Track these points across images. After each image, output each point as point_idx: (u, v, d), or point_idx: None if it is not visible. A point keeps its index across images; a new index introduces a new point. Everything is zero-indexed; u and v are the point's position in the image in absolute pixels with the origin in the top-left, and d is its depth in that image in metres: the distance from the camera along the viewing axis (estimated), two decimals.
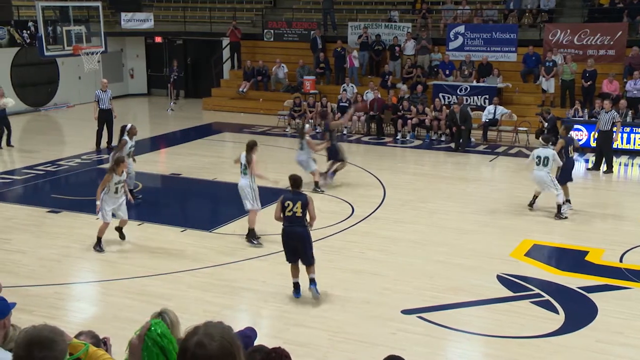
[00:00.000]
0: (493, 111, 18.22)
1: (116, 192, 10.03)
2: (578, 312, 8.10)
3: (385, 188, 13.50)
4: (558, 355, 7.12)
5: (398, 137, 18.51)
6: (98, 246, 10.03)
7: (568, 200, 11.96)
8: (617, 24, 19.87)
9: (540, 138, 12.40)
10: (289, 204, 8.24)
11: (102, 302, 8.60)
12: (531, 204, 11.93)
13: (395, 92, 19.70)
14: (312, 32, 22.97)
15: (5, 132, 17.19)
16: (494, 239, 10.64)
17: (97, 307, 8.51)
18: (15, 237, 10.66)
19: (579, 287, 8.74)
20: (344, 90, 19.93)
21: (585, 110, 17.37)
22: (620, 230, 11.16)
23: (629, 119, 16.60)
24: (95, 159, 16.17)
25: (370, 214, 11.86)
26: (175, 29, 26.05)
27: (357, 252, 10.02)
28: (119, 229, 10.43)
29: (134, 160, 12.64)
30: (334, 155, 13.84)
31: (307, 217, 8.38)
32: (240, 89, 23.11)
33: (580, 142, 16.38)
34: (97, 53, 18.50)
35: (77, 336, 3.74)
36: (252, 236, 10.41)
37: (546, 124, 16.36)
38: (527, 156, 11.78)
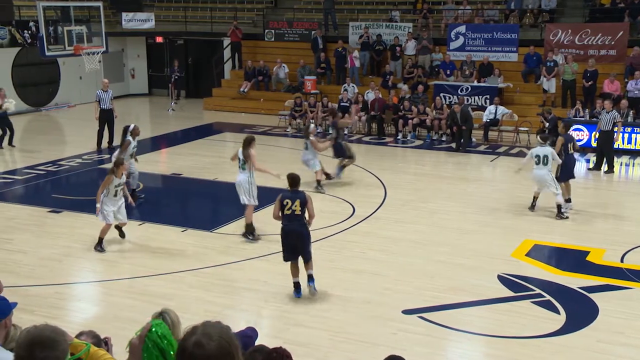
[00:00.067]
0: (494, 111, 18.22)
1: (115, 194, 10.04)
2: (579, 312, 8.10)
3: (386, 188, 13.50)
4: (559, 355, 7.11)
5: (399, 137, 18.51)
6: (99, 246, 10.04)
7: (569, 200, 11.95)
8: (618, 24, 19.86)
9: (538, 137, 12.42)
10: (287, 203, 8.26)
11: (103, 302, 8.60)
12: (532, 206, 11.92)
13: (396, 92, 19.70)
14: (313, 32, 22.97)
15: (8, 132, 17.20)
16: (495, 239, 10.64)
17: (98, 307, 8.52)
18: (17, 237, 10.67)
19: (580, 287, 8.74)
20: (345, 90, 19.93)
21: (587, 111, 17.36)
22: (621, 230, 11.15)
23: (630, 119, 16.59)
24: (96, 159, 16.18)
25: (371, 214, 11.86)
26: (176, 29, 26.06)
27: (358, 252, 10.02)
28: (118, 228, 10.47)
29: (136, 160, 12.68)
30: (341, 153, 13.93)
31: (306, 216, 8.38)
32: (241, 89, 23.11)
33: (581, 142, 16.40)
34: (98, 53, 18.51)
35: (78, 336, 3.74)
36: (248, 232, 10.47)
37: (547, 124, 16.35)
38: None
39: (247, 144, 10.53)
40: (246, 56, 24.05)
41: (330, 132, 14.10)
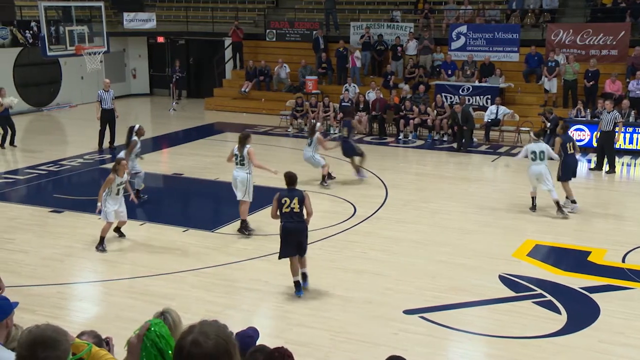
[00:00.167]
0: (495, 111, 18.21)
1: (118, 193, 10.11)
2: (580, 312, 8.09)
3: (388, 188, 13.50)
4: (560, 356, 7.11)
5: (400, 137, 18.51)
6: (101, 246, 10.06)
7: (574, 201, 11.96)
8: (619, 23, 19.84)
9: (531, 133, 12.53)
10: (286, 201, 8.32)
11: (104, 302, 8.61)
12: (534, 207, 11.93)
13: (397, 92, 19.70)
14: (314, 32, 22.98)
15: (10, 132, 17.21)
16: (496, 239, 10.64)
17: (100, 306, 8.52)
18: (18, 236, 10.68)
19: (581, 288, 8.74)
20: (346, 90, 19.93)
21: (588, 111, 17.35)
22: (622, 230, 11.15)
23: (631, 119, 16.58)
24: (98, 159, 16.19)
25: (373, 214, 11.86)
26: (177, 29, 26.07)
27: (359, 252, 10.02)
28: (117, 230, 10.50)
29: (141, 158, 12.75)
30: (352, 151, 13.98)
31: (304, 213, 8.43)
32: (243, 89, 23.12)
33: (583, 143, 16.41)
34: (99, 53, 18.52)
35: (80, 336, 3.75)
36: (244, 227, 10.53)
37: (549, 124, 16.35)
38: (527, 157, 11.83)
39: (244, 140, 10.59)
40: (247, 56, 24.06)
41: (341, 131, 14.16)
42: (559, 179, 12.03)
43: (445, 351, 7.39)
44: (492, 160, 16.23)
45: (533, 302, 8.33)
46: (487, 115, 18.26)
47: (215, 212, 12.70)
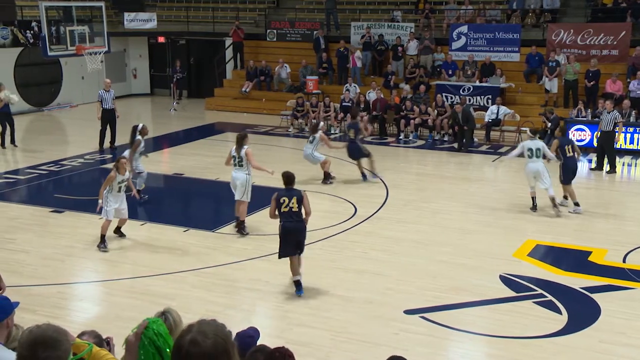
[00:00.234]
0: (496, 111, 18.21)
1: (119, 191, 10.15)
2: (581, 312, 8.09)
3: (388, 188, 13.50)
4: (561, 356, 7.11)
5: (401, 137, 18.51)
6: (102, 244, 10.09)
7: (577, 204, 11.95)
8: (620, 23, 19.84)
9: (528, 130, 12.58)
10: (284, 200, 8.35)
11: (105, 301, 8.61)
12: (535, 206, 11.93)
13: (398, 92, 19.69)
14: (315, 32, 22.98)
15: (8, 128, 17.14)
16: (497, 239, 10.64)
17: (100, 306, 8.53)
18: (19, 236, 10.69)
19: (582, 288, 8.74)
20: (347, 90, 19.93)
21: (589, 111, 17.34)
22: (623, 230, 11.14)
23: (632, 119, 16.57)
24: (99, 159, 16.20)
25: (373, 214, 11.86)
26: (178, 29, 26.07)
27: (359, 252, 10.02)
28: (117, 230, 10.52)
29: (146, 156, 12.80)
30: (357, 153, 14.03)
31: (303, 213, 8.47)
32: (243, 89, 23.12)
33: (583, 143, 16.42)
34: (100, 53, 18.53)
35: (80, 336, 3.75)
36: (242, 227, 10.59)
37: (549, 124, 16.35)
38: (523, 154, 11.90)
39: (241, 141, 10.62)
40: (248, 56, 24.06)
41: (347, 133, 14.19)
42: (561, 182, 12.07)
43: (445, 351, 7.39)
44: (493, 161, 16.22)
45: (534, 302, 8.33)
46: (488, 115, 18.26)
47: (216, 212, 12.71)
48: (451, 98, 19.27)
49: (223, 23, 25.31)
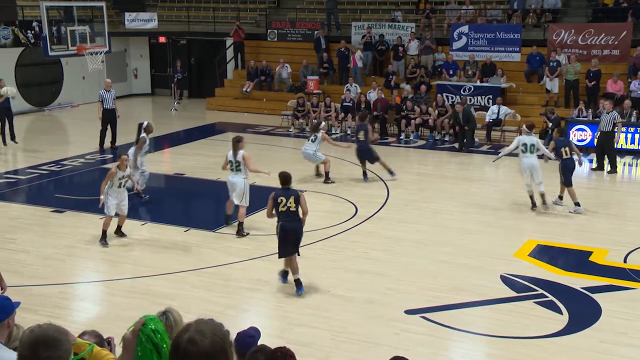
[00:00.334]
0: (497, 111, 18.20)
1: (120, 187, 10.25)
2: (582, 312, 8.09)
3: (389, 188, 13.50)
4: (562, 356, 7.11)
5: (401, 137, 18.51)
6: (103, 240, 10.20)
7: (577, 204, 11.97)
8: (621, 23, 19.83)
9: (524, 125, 12.70)
10: (282, 200, 8.40)
11: (105, 301, 8.62)
12: (534, 205, 11.96)
13: (398, 92, 19.69)
14: (315, 32, 22.98)
15: (8, 124, 17.10)
16: (498, 239, 10.64)
17: (101, 306, 8.53)
18: (20, 236, 10.69)
19: (582, 288, 8.73)
20: (348, 90, 19.93)
21: (589, 111, 17.34)
22: (624, 230, 11.14)
23: (633, 119, 16.56)
24: (99, 159, 16.21)
25: (374, 214, 11.86)
26: (179, 29, 26.08)
27: (360, 252, 10.02)
28: (118, 230, 10.55)
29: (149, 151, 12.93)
30: (367, 155, 14.05)
31: (300, 213, 8.52)
32: (244, 89, 23.13)
33: (584, 143, 16.42)
34: (101, 53, 18.53)
35: (81, 335, 3.75)
36: (242, 229, 10.64)
37: (550, 124, 16.34)
38: (518, 148, 11.97)
39: (237, 145, 10.65)
40: (249, 56, 24.06)
41: (357, 135, 14.21)
42: (562, 183, 12.11)
43: (446, 351, 7.39)
44: (493, 161, 16.21)
45: (534, 302, 8.33)
46: (489, 115, 18.25)
47: (217, 212, 12.66)
48: (452, 98, 19.27)
49: (224, 23, 25.32)
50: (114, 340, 4.11)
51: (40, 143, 17.97)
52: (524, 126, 12.68)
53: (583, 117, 17.13)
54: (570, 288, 8.75)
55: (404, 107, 18.73)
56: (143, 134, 12.47)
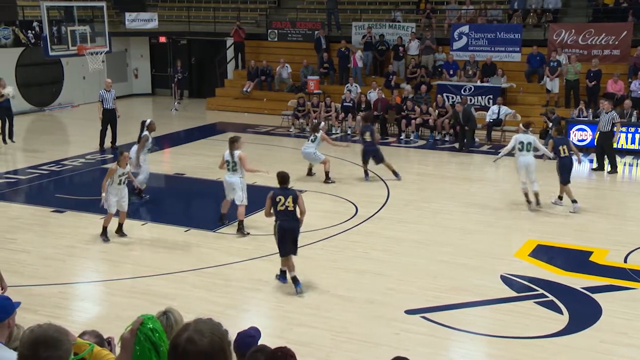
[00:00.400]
0: (497, 111, 18.20)
1: (120, 184, 10.33)
2: (582, 312, 8.09)
3: (389, 188, 13.50)
4: (562, 356, 7.11)
5: (402, 137, 18.51)
6: (104, 236, 10.32)
7: (574, 201, 11.99)
8: (621, 23, 19.83)
9: (520, 124, 12.88)
10: (280, 199, 8.44)
11: (106, 301, 8.62)
12: (529, 203, 12.05)
13: (399, 92, 19.69)
14: (316, 32, 22.98)
15: (7, 123, 17.10)
16: (498, 239, 10.64)
17: (101, 306, 8.53)
18: (20, 236, 10.69)
19: (583, 288, 8.73)
20: (349, 90, 19.93)
21: (590, 111, 17.34)
22: (624, 230, 11.14)
23: (634, 119, 16.56)
24: (99, 159, 16.21)
25: (374, 214, 11.86)
26: (179, 29, 26.08)
27: (360, 252, 10.02)
28: (119, 229, 10.59)
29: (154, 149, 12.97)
30: (375, 155, 14.06)
31: (298, 212, 8.55)
32: (244, 89, 23.13)
33: (585, 143, 16.42)
34: (101, 53, 18.53)
35: (81, 335, 3.75)
36: (242, 228, 10.68)
37: (550, 124, 16.34)
38: (515, 147, 12.02)
39: (232, 144, 10.68)
40: (249, 56, 24.07)
41: (362, 136, 14.23)
42: (561, 182, 12.13)
43: (446, 351, 7.38)
44: (494, 161, 16.20)
45: (535, 302, 8.33)
46: (489, 115, 18.25)
47: (217, 212, 12.66)
48: (452, 98, 19.27)
49: (224, 23, 25.32)
50: (114, 340, 4.11)
51: (41, 143, 17.97)
52: (520, 125, 12.83)
53: (583, 117, 17.13)
54: (571, 288, 8.74)
55: (404, 107, 18.73)
56: (145, 132, 12.50)
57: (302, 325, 7.70)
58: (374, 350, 7.07)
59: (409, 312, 8.01)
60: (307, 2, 25.77)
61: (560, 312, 8.05)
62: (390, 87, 20.45)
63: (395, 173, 14.05)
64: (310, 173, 14.25)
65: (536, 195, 11.97)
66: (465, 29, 21.26)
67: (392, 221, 11.49)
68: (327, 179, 13.77)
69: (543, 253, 10.09)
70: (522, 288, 8.74)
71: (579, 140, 16.52)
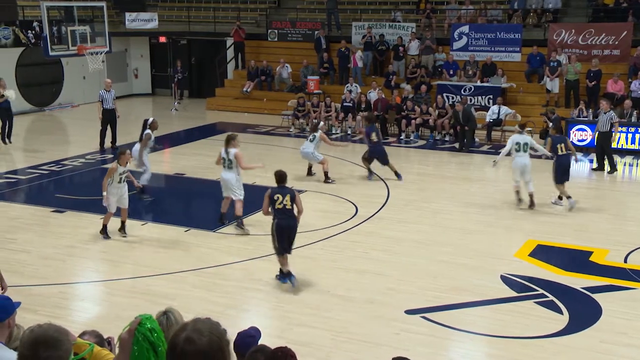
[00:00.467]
0: (497, 111, 18.20)
1: (120, 182, 10.40)
2: (582, 312, 8.09)
3: (389, 188, 13.50)
4: (562, 356, 7.11)
5: (402, 137, 18.51)
6: (104, 233, 10.42)
7: (569, 197, 12.05)
8: (621, 23, 19.83)
9: (517, 125, 12.93)
10: (278, 197, 8.51)
11: (106, 301, 8.62)
12: (519, 200, 12.06)
13: (399, 92, 19.69)
14: (316, 32, 22.98)
15: (7, 124, 17.10)
16: (498, 239, 10.64)
17: (101, 306, 8.53)
18: (20, 236, 10.69)
19: (583, 288, 8.73)
20: (349, 90, 19.92)
21: (590, 111, 17.34)
22: (624, 230, 11.14)
23: (634, 119, 16.56)
24: (99, 159, 16.21)
25: (374, 214, 11.86)
26: (179, 29, 26.08)
27: (360, 252, 10.02)
28: (122, 227, 10.63)
29: (157, 145, 12.98)
30: (383, 157, 14.11)
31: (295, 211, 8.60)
32: (244, 89, 23.13)
33: (585, 143, 16.42)
34: (101, 53, 18.54)
35: (81, 335, 3.75)
36: (240, 223, 10.76)
37: (550, 124, 16.32)
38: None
39: (228, 143, 10.79)
40: (249, 56, 24.07)
41: (369, 137, 14.23)
42: (554, 181, 12.17)
43: (446, 351, 7.38)
44: (493, 165, 16.20)
45: (535, 302, 8.33)
46: (489, 115, 18.25)
47: (217, 212, 12.66)
48: (452, 98, 19.27)
49: (224, 23, 25.32)
50: (114, 340, 4.11)
51: (41, 143, 17.97)
52: (516, 126, 12.88)
53: (583, 117, 17.13)
54: (571, 288, 8.75)
55: (405, 107, 18.73)
56: (148, 130, 12.53)
57: (302, 325, 7.70)
58: (374, 350, 7.07)
59: (409, 312, 8.01)
60: (307, 2, 25.77)
61: (560, 312, 8.05)
62: (390, 87, 20.44)
63: (397, 174, 14.04)
64: (310, 173, 14.26)
65: (531, 196, 11.99)
66: (465, 29, 21.27)
67: (392, 221, 11.49)
68: (327, 179, 13.78)
69: (543, 253, 10.09)
70: (522, 288, 8.74)
71: (579, 140, 16.53)
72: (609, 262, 9.67)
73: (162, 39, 26.32)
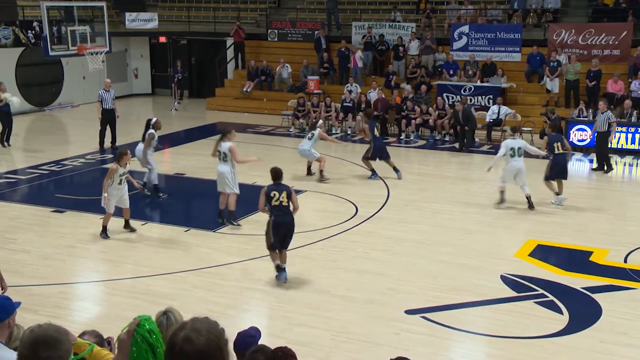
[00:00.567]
0: (497, 111, 18.20)
1: (120, 183, 10.42)
2: (582, 312, 8.09)
3: (389, 188, 13.50)
4: (562, 356, 7.11)
5: (402, 137, 18.51)
6: (104, 234, 10.44)
7: (557, 193, 12.16)
8: (621, 23, 19.84)
9: (509, 129, 12.95)
10: (275, 194, 8.57)
11: (105, 301, 8.62)
12: (503, 200, 12.11)
13: (399, 92, 19.69)
14: (316, 32, 22.98)
15: (7, 128, 17.10)
16: (498, 239, 10.64)
17: (101, 306, 8.53)
18: (20, 236, 10.69)
19: (583, 288, 8.73)
20: (349, 90, 19.92)
21: (590, 111, 17.34)
22: (624, 230, 11.14)
23: (634, 119, 16.56)
24: (99, 159, 16.21)
25: (374, 214, 11.86)
26: (179, 29, 26.09)
27: (360, 252, 10.02)
28: (126, 225, 10.75)
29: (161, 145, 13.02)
30: (385, 152, 14.17)
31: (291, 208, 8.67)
32: (244, 89, 23.13)
33: (585, 143, 16.42)
34: (101, 53, 18.54)
35: (81, 335, 3.75)
36: (232, 218, 10.87)
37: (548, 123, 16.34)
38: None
39: (224, 136, 10.95)
40: (249, 56, 24.07)
41: (373, 133, 14.27)
42: (545, 178, 12.21)
43: (446, 351, 7.38)
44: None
45: (535, 302, 8.33)
46: (489, 115, 18.25)
47: (217, 212, 12.69)
48: (452, 98, 19.27)
49: (224, 23, 25.32)
50: (114, 340, 4.11)
51: (41, 143, 17.97)
52: (508, 130, 12.85)
53: (583, 117, 17.13)
54: (571, 288, 8.74)
55: (404, 107, 18.73)
56: (151, 130, 12.55)
57: (302, 325, 7.69)
58: (374, 350, 7.06)
59: (409, 312, 8.01)
60: (307, 2, 25.78)
61: (560, 312, 8.05)
62: (390, 87, 20.45)
63: (395, 169, 14.04)
64: (309, 173, 14.25)
65: (528, 198, 11.97)
66: (465, 29, 21.27)
67: (392, 221, 11.49)
68: (322, 177, 13.76)
69: (543, 253, 10.09)
70: (522, 288, 8.74)
71: (579, 140, 16.54)
72: (609, 262, 9.66)
73: (162, 39, 26.33)
